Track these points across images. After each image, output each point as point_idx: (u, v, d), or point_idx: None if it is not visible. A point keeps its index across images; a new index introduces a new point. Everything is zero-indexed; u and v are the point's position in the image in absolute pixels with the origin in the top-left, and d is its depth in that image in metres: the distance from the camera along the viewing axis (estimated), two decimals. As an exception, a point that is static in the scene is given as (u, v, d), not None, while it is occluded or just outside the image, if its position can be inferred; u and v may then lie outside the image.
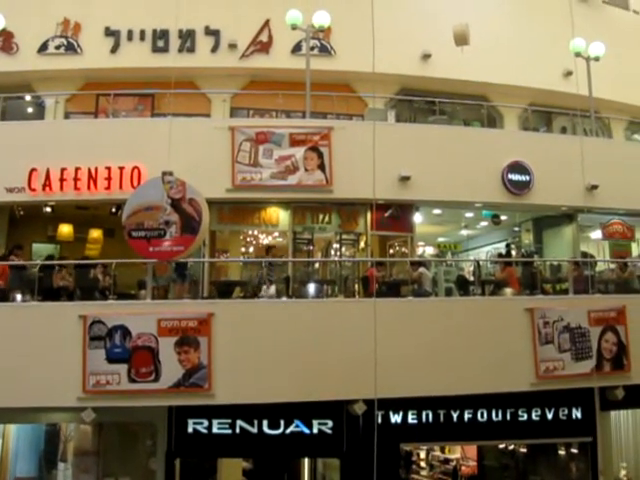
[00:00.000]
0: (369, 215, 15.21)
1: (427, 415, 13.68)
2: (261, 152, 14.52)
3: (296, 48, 17.84)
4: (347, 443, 13.20)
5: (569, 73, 18.79)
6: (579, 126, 18.91)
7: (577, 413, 14.32)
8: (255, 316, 12.74)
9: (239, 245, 17.32)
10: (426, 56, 18.45)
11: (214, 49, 17.77)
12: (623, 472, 15.74)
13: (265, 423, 13.24)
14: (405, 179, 14.71)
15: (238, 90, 17.95)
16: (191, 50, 17.71)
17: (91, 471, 13.33)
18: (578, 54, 17.51)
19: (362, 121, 16.50)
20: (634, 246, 18.41)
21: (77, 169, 14.27)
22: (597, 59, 17.65)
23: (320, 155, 14.62)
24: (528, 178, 15.52)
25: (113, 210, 15.61)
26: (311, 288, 14.47)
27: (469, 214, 18.34)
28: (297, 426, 13.30)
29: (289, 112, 17.67)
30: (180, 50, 17.65)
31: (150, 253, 11.23)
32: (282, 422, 13.26)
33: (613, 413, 15.32)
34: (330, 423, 13.32)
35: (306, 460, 15.07)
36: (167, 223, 11.10)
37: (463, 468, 16.49)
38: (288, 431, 13.27)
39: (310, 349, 12.48)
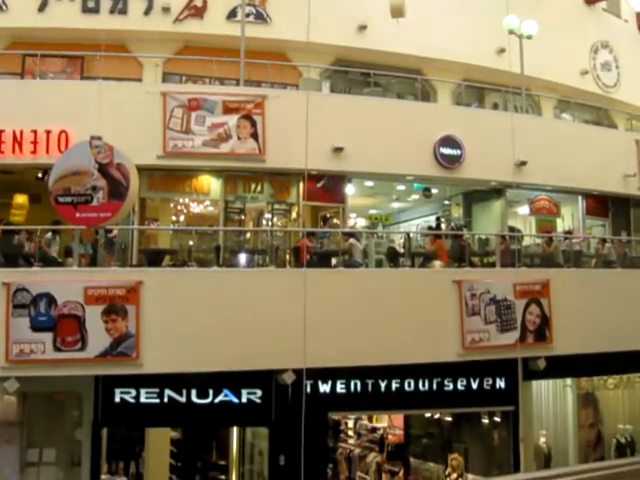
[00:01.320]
0: (301, 185, 15.15)
1: (355, 385, 13.84)
2: (193, 119, 14.24)
3: (231, 14, 17.54)
4: (276, 412, 13.28)
5: (502, 50, 19.02)
6: (510, 103, 19.23)
7: (501, 383, 14.72)
8: (185, 285, 12.63)
9: (170, 213, 17.05)
10: (362, 27, 18.39)
11: (147, 12, 17.30)
12: (542, 439, 16.29)
13: (194, 393, 13.17)
14: (338, 150, 14.68)
15: (171, 55, 17.55)
16: (123, 12, 17.20)
17: (15, 442, 13.02)
18: (511, 32, 17.71)
19: (297, 91, 16.38)
20: (559, 222, 18.92)
21: (1, 132, 13.74)
22: (530, 37, 17.90)
23: (253, 124, 14.43)
24: (459, 152, 15.70)
25: (39, 175, 15.09)
26: (242, 258, 14.40)
27: (401, 187, 18.48)
28: (226, 395, 13.28)
29: (223, 79, 17.38)
30: (111, 11, 17.13)
31: (77, 219, 11.00)
32: (211, 392, 13.21)
33: (535, 383, 15.81)
34: (259, 392, 13.35)
35: (235, 429, 15.09)
36: (94, 189, 10.86)
37: (390, 437, 16.75)
38: (217, 400, 13.24)
39: (240, 319, 12.45)
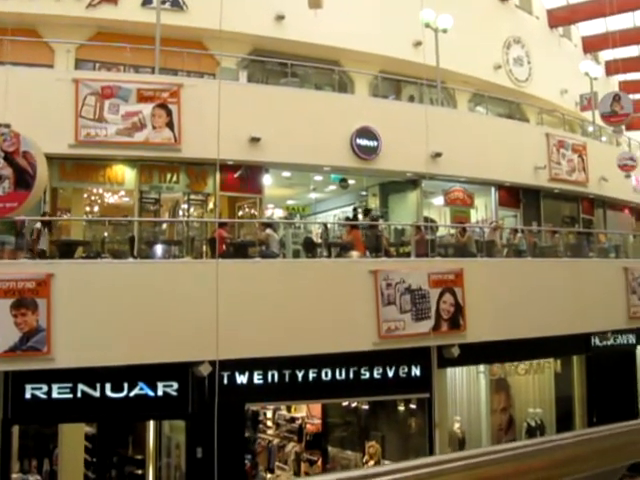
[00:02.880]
0: (218, 175, 15.01)
1: (273, 375, 13.80)
2: (107, 107, 13.91)
3: (146, 0, 17.18)
4: (193, 405, 13.12)
5: (418, 43, 19.30)
6: (426, 95, 19.51)
7: (416, 371, 14.95)
8: (98, 277, 12.33)
9: (83, 203, 16.62)
10: (280, 17, 18.34)
11: (59, -5, 16.78)
12: (457, 425, 16.67)
13: (108, 387, 12.86)
14: (255, 140, 14.62)
15: (83, 41, 17.07)
16: (34, -5, 16.63)
17: None
18: (427, 25, 17.97)
19: (213, 80, 16.19)
20: (473, 212, 19.37)
21: None
22: (445, 31, 18.19)
23: (169, 113, 14.22)
24: (376, 144, 15.86)
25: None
26: (158, 249, 14.17)
27: (318, 177, 18.55)
28: (141, 389, 13.03)
29: (138, 67, 17.01)
30: (22, -6, 16.54)
31: (-19, 209, 10.57)
32: (126, 385, 12.93)
33: (449, 370, 16.14)
34: (175, 385, 13.15)
35: (151, 423, 14.87)
36: (0, 178, 10.47)
37: (308, 426, 16.87)
38: (132, 394, 12.97)
39: (155, 310, 12.26)
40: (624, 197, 22.96)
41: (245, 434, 14.90)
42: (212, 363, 12.20)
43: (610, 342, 18.70)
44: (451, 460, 1.03)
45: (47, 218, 14.03)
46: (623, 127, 21.76)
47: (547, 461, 1.16)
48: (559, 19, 27.11)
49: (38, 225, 13.06)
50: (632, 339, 19.55)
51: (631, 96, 23.25)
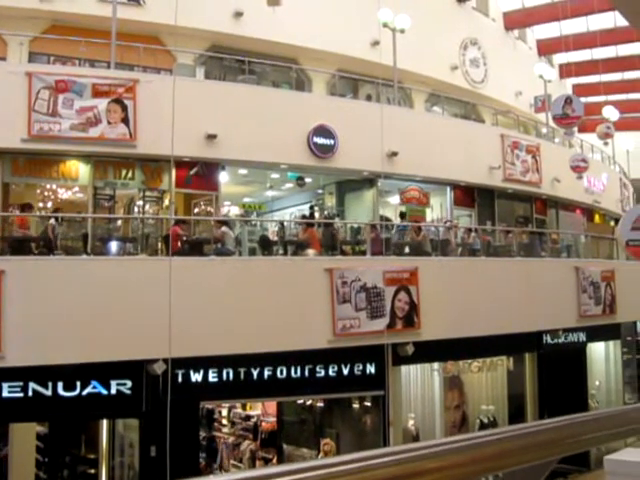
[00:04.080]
0: (174, 172, 14.92)
1: (228, 373, 13.76)
2: (61, 101, 13.68)
3: (103, -6, 16.96)
4: (147, 403, 13.02)
5: (376, 43, 19.38)
6: (383, 95, 19.62)
7: (371, 368, 15.04)
8: (51, 274, 12.16)
9: (36, 199, 16.36)
10: (238, 14, 18.27)
11: (12, -13, 16.48)
12: (411, 422, 16.83)
13: (60, 385, 12.68)
14: (212, 137, 14.54)
15: (37, 34, 16.79)
16: (-16, -13, 16.30)
17: None
18: (385, 25, 18.08)
19: (170, 76, 16.07)
20: (428, 211, 19.56)
21: None
22: (402, 31, 18.32)
23: (124, 108, 14.05)
24: (333, 142, 15.91)
25: None
26: (112, 246, 14.03)
27: (275, 175, 18.55)
28: (94, 387, 12.88)
29: (93, 61, 16.80)
30: (-28, -15, 16.21)
31: None
32: (78, 384, 12.76)
33: (404, 368, 16.29)
34: (129, 383, 13.03)
35: (105, 422, 14.73)
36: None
37: (263, 424, 16.88)
38: (85, 393, 12.81)
39: (108, 308, 12.13)
40: (576, 198, 23.39)
41: (200, 432, 14.86)
42: (167, 361, 12.15)
43: (561, 340, 19.04)
44: (375, 456, 1.05)
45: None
46: (575, 129, 22.14)
47: (471, 457, 1.20)
48: (515, 22, 27.54)
49: None
50: (582, 337, 19.94)
51: (583, 99, 23.72)
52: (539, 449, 1.52)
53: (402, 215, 17.91)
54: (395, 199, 19.27)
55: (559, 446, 1.63)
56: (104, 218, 15.09)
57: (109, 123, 13.88)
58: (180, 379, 13.08)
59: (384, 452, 1.18)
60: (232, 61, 17.94)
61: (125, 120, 14.01)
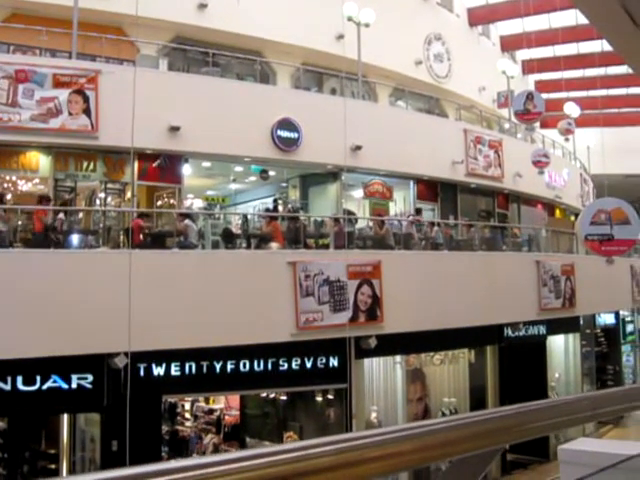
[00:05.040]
0: (136, 164, 14.79)
1: (190, 367, 13.71)
2: (21, 91, 13.47)
3: (64, -18, 16.70)
4: (108, 397, 12.92)
5: (341, 37, 19.40)
6: (348, 89, 19.67)
7: (334, 361, 15.10)
8: (9, 267, 11.97)
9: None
10: (202, 6, 18.14)
11: (-31, -25, 16.17)
12: (374, 415, 16.93)
13: (19, 379, 12.52)
14: (175, 129, 14.44)
15: (-3, 22, 16.52)
16: (-59, -27, 15.98)
17: None
18: (350, 19, 18.09)
19: (132, 67, 15.89)
20: (392, 205, 19.67)
21: None
22: (367, 25, 18.33)
23: (86, 99, 13.88)
24: (297, 135, 15.90)
25: None
26: (73, 238, 13.86)
27: (238, 168, 18.48)
28: (55, 381, 12.74)
29: (54, 51, 16.53)
30: None
31: None
32: (38, 378, 12.62)
33: (366, 361, 16.38)
34: (90, 377, 12.91)
35: (65, 416, 14.57)
36: None
37: (226, 417, 16.86)
38: (45, 387, 12.67)
39: (69, 301, 11.98)
40: (537, 193, 23.72)
41: (161, 426, 14.79)
42: (128, 355, 12.07)
43: (522, 333, 19.32)
44: (319, 445, 1.07)
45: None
46: (536, 125, 22.43)
47: (412, 446, 1.22)
48: (479, 18, 27.76)
49: None
50: (543, 330, 20.27)
51: (545, 95, 24.03)
52: (482, 438, 1.56)
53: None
54: (359, 193, 19.35)
55: (503, 435, 1.66)
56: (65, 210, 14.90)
57: (70, 114, 13.70)
58: (142, 373, 13.02)
59: (324, 441, 1.20)
60: (196, 53, 17.79)
61: (87, 111, 13.85)
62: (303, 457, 1.11)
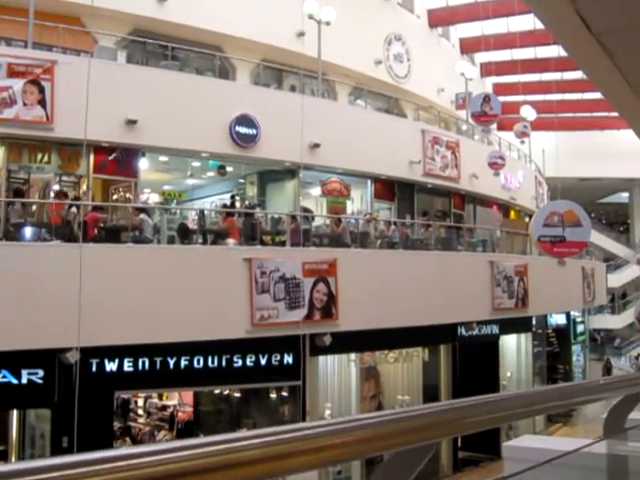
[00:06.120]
0: (92, 157, 14.61)
1: (144, 363, 13.59)
2: (-27, 81, 13.23)
3: (20, -30, 16.41)
4: (59, 393, 12.74)
5: (301, 34, 19.41)
6: (308, 86, 19.69)
7: (288, 359, 15.11)
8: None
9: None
10: (162, -2, 17.98)
11: None
12: (328, 412, 16.97)
13: (-33, 374, 12.33)
14: (132, 123, 14.30)
15: (-51, 9, 16.12)
16: None
17: None
18: (310, 16, 18.11)
19: (90, 58, 15.69)
20: (349, 203, 19.76)
21: None
22: (328, 23, 18.35)
23: (41, 90, 13.65)
24: (255, 132, 15.87)
25: None
26: (26, 231, 13.64)
27: (196, 163, 18.37)
28: (4, 377, 12.52)
29: (9, 40, 16.24)
30: None
31: None
32: (-14, 373, 12.44)
33: (321, 358, 16.43)
34: (41, 373, 12.73)
35: (15, 412, 14.33)
36: None
37: (180, 414, 16.77)
38: (-7, 382, 12.49)
39: (20, 295, 11.78)
40: (493, 194, 24.05)
41: (114, 422, 14.64)
42: (82, 350, 11.93)
43: (475, 332, 19.57)
44: (242, 439, 1.08)
45: None
46: (493, 127, 22.74)
47: (347, 438, 1.25)
48: (439, 19, 28.01)
49: None
50: (496, 329, 20.56)
51: (502, 98, 24.37)
52: (415, 433, 1.60)
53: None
54: (317, 191, 19.38)
55: (437, 430, 1.71)
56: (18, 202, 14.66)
57: (25, 104, 13.46)
58: (94, 368, 12.86)
59: (252, 434, 1.22)
60: (155, 46, 17.62)
61: (42, 102, 13.63)
62: (229, 450, 1.13)
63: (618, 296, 39.09)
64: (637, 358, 34.76)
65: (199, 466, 1.10)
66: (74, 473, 1.01)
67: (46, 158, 14.55)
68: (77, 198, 14.85)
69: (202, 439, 1.13)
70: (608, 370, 31.02)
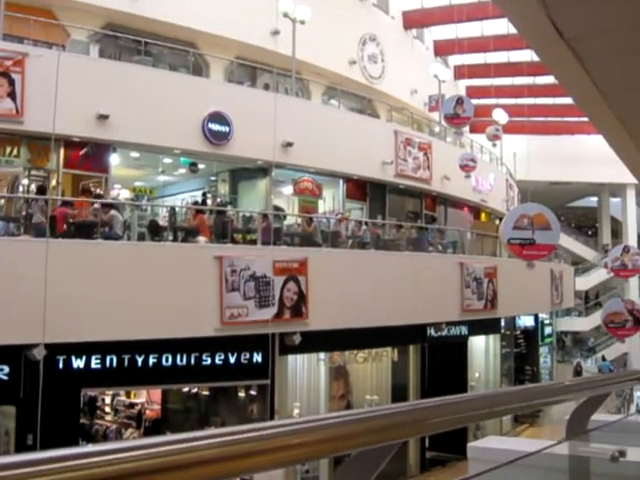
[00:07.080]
0: (62, 151, 14.45)
1: (111, 360, 13.44)
2: (-59, 72, 13.03)
3: (-9, -39, 16.17)
4: (25, 390, 12.57)
5: (276, 32, 19.40)
6: (282, 85, 19.67)
7: (257, 357, 15.06)
8: None
9: None
10: (136, -7, 17.83)
11: None
12: (296, 411, 16.97)
13: None
14: (103, 117, 14.17)
15: None
16: None
17: None
18: (285, 15, 18.10)
19: (62, 51, 15.53)
20: (321, 203, 19.77)
21: None
22: (302, 22, 18.37)
23: (11, 82, 13.47)
24: (228, 129, 15.82)
25: None
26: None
27: (167, 160, 18.26)
28: (-32, 373, 12.37)
29: (-21, 31, 16.03)
30: None
31: None
32: (-50, 369, 12.25)
33: (290, 357, 16.41)
34: (6, 369, 12.55)
35: (-22, 409, 14.14)
36: None
37: (148, 412, 16.66)
38: (-43, 378, 12.30)
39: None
40: (464, 196, 24.22)
41: (81, 420, 14.50)
42: (48, 346, 11.79)
43: (444, 333, 19.69)
44: (203, 437, 1.07)
45: None
46: (465, 129, 22.89)
47: (306, 439, 1.25)
48: (413, 21, 28.14)
49: None
50: (464, 330, 20.70)
51: (475, 101, 24.55)
52: (376, 433, 1.60)
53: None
54: (289, 189, 19.37)
55: (398, 430, 1.71)
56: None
57: (-6, 97, 13.29)
58: (61, 365, 12.71)
59: (208, 434, 1.21)
60: (128, 41, 17.44)
61: (12, 95, 13.45)
62: (184, 449, 1.12)
63: (582, 298, 39.62)
64: (603, 359, 35.21)
65: (152, 466, 1.09)
66: (17, 473, 0.99)
67: (15, 151, 14.37)
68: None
69: (156, 438, 1.12)
70: (578, 373, 31.35)
